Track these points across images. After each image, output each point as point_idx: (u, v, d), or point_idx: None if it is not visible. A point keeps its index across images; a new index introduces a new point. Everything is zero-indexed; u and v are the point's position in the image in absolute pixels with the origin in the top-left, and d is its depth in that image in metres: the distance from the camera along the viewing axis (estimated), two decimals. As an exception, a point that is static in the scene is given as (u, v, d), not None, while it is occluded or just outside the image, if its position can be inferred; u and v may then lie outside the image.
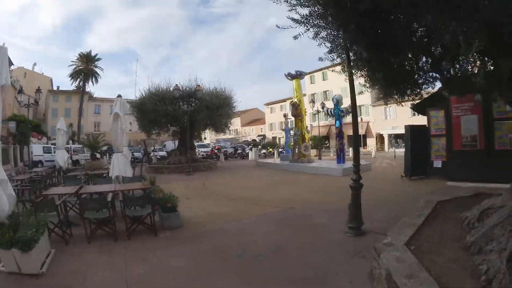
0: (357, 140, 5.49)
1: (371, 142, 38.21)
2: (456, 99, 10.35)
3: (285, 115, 25.18)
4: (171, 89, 19.19)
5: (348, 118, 21.12)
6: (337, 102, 16.37)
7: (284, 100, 55.63)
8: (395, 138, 36.37)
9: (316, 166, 16.24)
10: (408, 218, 5.38)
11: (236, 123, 71.15)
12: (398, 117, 35.58)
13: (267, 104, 64.24)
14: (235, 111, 23.39)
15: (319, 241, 5.42)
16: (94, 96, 57.34)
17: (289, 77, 19.26)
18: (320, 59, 5.18)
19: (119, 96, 10.71)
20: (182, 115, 19.34)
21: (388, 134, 36.93)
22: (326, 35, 4.82)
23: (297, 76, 19.07)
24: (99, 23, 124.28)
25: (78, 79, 47.71)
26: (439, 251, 4.03)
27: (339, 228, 5.91)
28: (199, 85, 19.72)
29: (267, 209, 7.87)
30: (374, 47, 4.51)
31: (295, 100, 18.81)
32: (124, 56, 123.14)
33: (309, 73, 47.43)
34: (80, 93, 48.25)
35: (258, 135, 65.21)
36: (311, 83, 49.29)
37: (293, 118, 19.89)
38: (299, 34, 4.42)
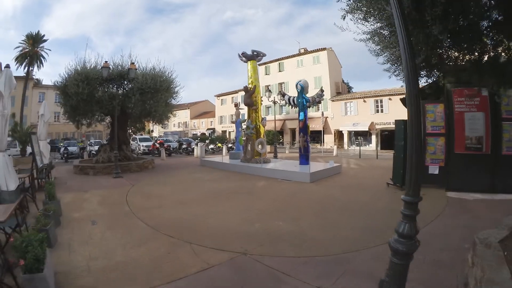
0: (418, 145, 2.41)
1: (329, 139, 36.21)
2: (459, 92, 8.28)
3: (236, 105, 21.71)
4: (100, 68, 14.83)
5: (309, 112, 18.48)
6: (302, 89, 13.03)
7: (236, 92, 52.18)
8: (355, 136, 34.86)
9: (275, 168, 12.98)
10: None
11: (185, 115, 67.21)
12: (360, 113, 34.32)
13: (218, 96, 59.92)
14: (178, 101, 19.01)
15: None
16: (43, 84, 50.28)
17: (243, 59, 15.94)
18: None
19: (6, 66, 7.32)
20: (110, 100, 15.27)
21: (348, 131, 35.23)
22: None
23: (253, 57, 15.78)
24: (58, 7, 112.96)
25: (24, 63, 40.52)
26: None
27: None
28: (133, 63, 15.58)
29: (205, 258, 4.51)
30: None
31: (250, 85, 15.68)
32: (80, 44, 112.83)
33: (264, 63, 44.68)
34: (25, 79, 40.37)
35: (208, 129, 61.34)
36: (266, 74, 46.18)
37: (245, 109, 16.63)
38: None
